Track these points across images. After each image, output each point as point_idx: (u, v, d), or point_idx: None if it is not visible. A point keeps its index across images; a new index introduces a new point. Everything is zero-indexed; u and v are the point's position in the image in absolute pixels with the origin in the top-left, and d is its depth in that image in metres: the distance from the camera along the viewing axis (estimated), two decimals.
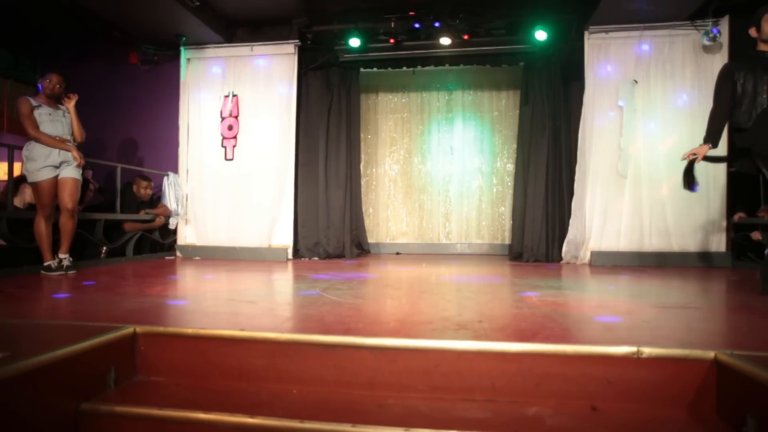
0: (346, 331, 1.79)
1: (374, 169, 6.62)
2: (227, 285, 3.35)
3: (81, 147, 3.81)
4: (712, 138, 2.99)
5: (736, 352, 1.45)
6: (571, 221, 5.14)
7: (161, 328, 1.78)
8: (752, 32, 2.92)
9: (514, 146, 5.95)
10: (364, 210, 6.20)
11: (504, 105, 6.40)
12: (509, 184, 6.29)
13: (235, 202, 5.57)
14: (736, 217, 4.73)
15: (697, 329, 1.88)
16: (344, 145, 5.77)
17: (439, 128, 6.53)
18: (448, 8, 5.14)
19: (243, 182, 5.57)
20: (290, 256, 5.51)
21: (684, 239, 4.93)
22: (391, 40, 5.37)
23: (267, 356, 1.72)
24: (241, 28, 5.72)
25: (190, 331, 1.78)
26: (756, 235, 4.45)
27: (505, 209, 6.33)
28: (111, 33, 5.41)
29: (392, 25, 5.26)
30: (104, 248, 4.67)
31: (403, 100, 6.60)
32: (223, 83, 5.69)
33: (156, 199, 5.55)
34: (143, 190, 5.24)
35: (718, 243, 4.91)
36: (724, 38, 4.78)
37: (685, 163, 3.15)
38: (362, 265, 4.77)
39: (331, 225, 5.68)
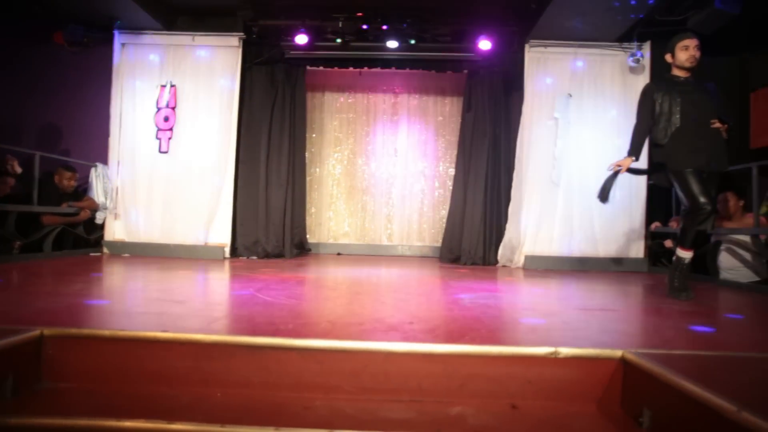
0: (275, 333, 1.76)
1: (318, 169, 6.56)
2: (156, 284, 3.19)
3: None
4: (634, 151, 3.20)
5: (641, 351, 1.56)
6: (508, 226, 5.35)
7: (74, 330, 1.66)
8: (668, 58, 3.17)
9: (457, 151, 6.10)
10: (306, 209, 6.12)
11: (448, 110, 6.54)
12: (451, 188, 6.42)
13: (170, 196, 5.33)
14: (652, 226, 5.11)
15: (610, 330, 2.01)
16: (287, 143, 5.67)
17: (384, 130, 6.57)
18: (396, 12, 5.19)
19: (179, 176, 5.34)
20: (227, 254, 5.33)
21: (608, 245, 5.25)
22: (339, 40, 5.34)
23: (190, 359, 1.65)
24: (183, 16, 5.47)
25: (107, 333, 1.67)
26: (668, 243, 4.82)
27: (446, 213, 6.45)
28: (30, 7, 4.97)
29: (340, 25, 5.23)
30: (17, 243, 4.29)
31: (350, 101, 6.59)
32: (161, 72, 5.43)
33: (81, 192, 5.18)
34: (66, 181, 4.88)
35: (638, 250, 5.28)
36: (647, 61, 5.16)
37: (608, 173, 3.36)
38: (301, 265, 4.71)
39: (270, 224, 5.56)
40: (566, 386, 1.58)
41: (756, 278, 4.05)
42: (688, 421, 1.24)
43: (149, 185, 5.35)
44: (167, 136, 5.39)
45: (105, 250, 5.26)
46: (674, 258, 3.08)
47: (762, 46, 5.18)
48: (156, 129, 5.39)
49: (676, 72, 3.14)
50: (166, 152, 5.37)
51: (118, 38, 5.36)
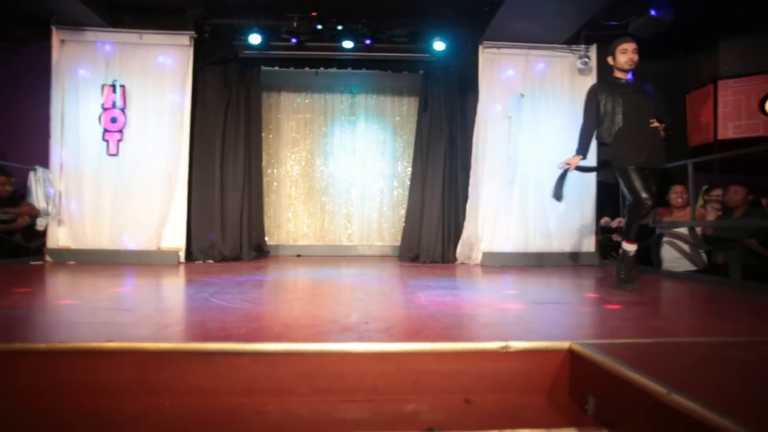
0: (227, 338, 1.72)
1: (275, 170, 6.46)
2: (103, 292, 3.05)
3: None
4: (582, 150, 3.33)
5: (587, 341, 1.63)
6: (466, 224, 5.44)
7: (3, 345, 1.56)
8: (609, 60, 3.32)
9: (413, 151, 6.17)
10: (264, 211, 6.01)
11: (405, 110, 6.59)
12: (410, 187, 6.48)
13: (120, 200, 5.11)
14: (602, 220, 5.34)
15: (560, 323, 2.08)
16: (243, 144, 5.55)
17: (341, 130, 6.55)
18: (351, 12, 5.18)
19: (129, 180, 5.13)
20: (182, 259, 5.17)
21: (562, 240, 5.44)
22: (293, 40, 5.27)
23: (136, 369, 1.59)
24: (130, 13, 5.25)
25: (42, 346, 1.58)
26: (616, 237, 5.05)
27: (405, 212, 6.51)
28: None
29: (294, 24, 5.17)
30: None
31: (306, 101, 6.52)
32: (107, 71, 5.19)
33: (19, 197, 4.88)
34: (0, 186, 4.58)
35: (589, 244, 5.50)
36: (594, 63, 5.38)
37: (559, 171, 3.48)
38: (259, 268, 4.62)
39: (227, 226, 5.43)
40: (517, 379, 1.62)
41: (694, 268, 4.31)
42: (627, 405, 1.30)
43: (97, 189, 5.11)
44: (116, 138, 5.17)
45: (47, 258, 4.98)
46: (620, 251, 3.23)
47: (695, 50, 5.52)
48: (103, 130, 5.16)
49: (617, 74, 3.29)
50: (115, 155, 5.15)
51: (57, 34, 5.08)
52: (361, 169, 6.53)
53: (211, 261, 5.30)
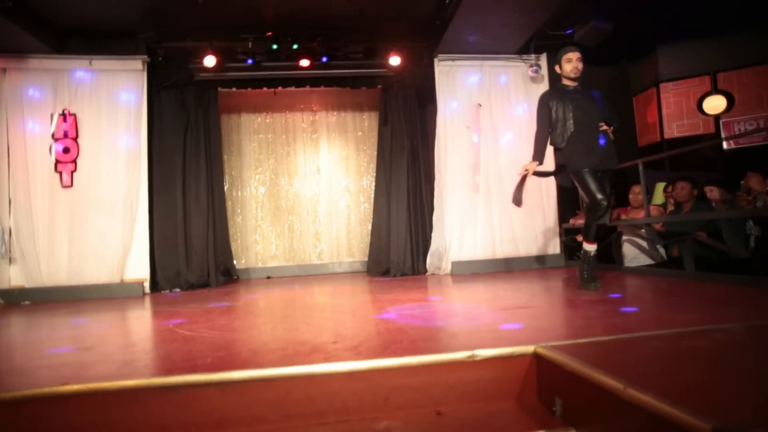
0: (192, 369, 1.67)
1: (239, 192, 6.37)
2: (60, 331, 2.91)
3: None
4: (537, 156, 3.44)
5: (551, 344, 1.67)
6: (433, 234, 5.50)
7: None
8: (557, 69, 3.47)
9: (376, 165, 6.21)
10: (230, 235, 5.90)
11: (367, 125, 6.64)
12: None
13: (77, 233, 4.91)
14: (571, 221, 5.46)
15: (526, 327, 2.12)
16: (204, 168, 5.45)
17: (305, 148, 6.54)
18: (306, 31, 5.20)
19: (85, 211, 4.95)
20: (147, 290, 5.01)
21: (528, 244, 5.56)
22: (250, 60, 5.25)
23: (97, 410, 1.53)
24: (77, 39, 5.11)
25: None
26: (580, 237, 5.20)
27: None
28: None
29: (250, 45, 5.16)
30: None
31: (267, 121, 6.49)
32: (56, 100, 5.02)
33: None
34: None
35: (554, 246, 5.64)
36: (545, 71, 5.59)
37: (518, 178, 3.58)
38: (227, 294, 4.52)
39: (193, 253, 5.30)
40: (486, 386, 1.64)
41: (653, 262, 4.48)
42: (591, 404, 1.34)
43: (51, 223, 4.90)
44: (70, 168, 4.99)
45: None
46: (582, 252, 3.33)
47: (636, 56, 5.82)
48: (55, 161, 4.97)
49: (565, 81, 3.43)
50: (69, 186, 4.96)
51: None
52: (327, 186, 6.52)
53: (177, 290, 5.14)
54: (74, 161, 5.00)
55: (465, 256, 5.42)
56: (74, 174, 4.99)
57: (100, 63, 5.10)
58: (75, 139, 5.01)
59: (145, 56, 5.15)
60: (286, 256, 6.38)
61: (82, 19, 4.79)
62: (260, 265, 6.31)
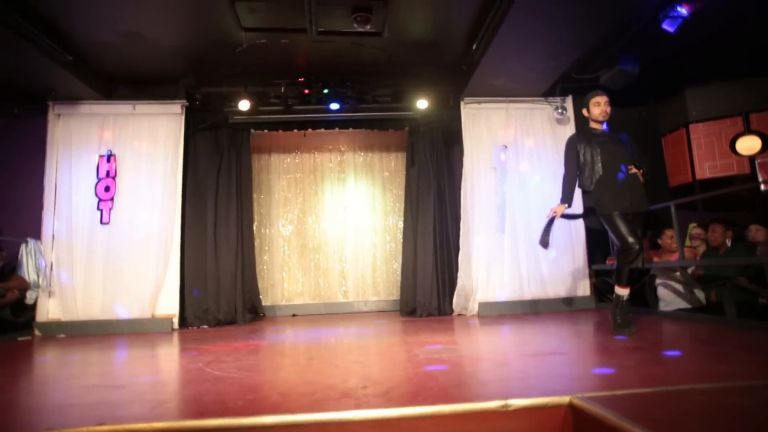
0: (224, 412, 1.68)
1: (268, 230, 6.49)
2: (95, 367, 2.98)
3: None
4: (566, 198, 3.43)
5: (587, 395, 1.62)
6: (459, 275, 5.45)
7: None
8: (584, 112, 3.50)
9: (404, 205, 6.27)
10: (257, 272, 5.99)
11: (394, 166, 6.75)
12: (401, 241, 6.52)
13: (112, 269, 5.09)
14: (608, 261, 5.29)
15: (559, 375, 2.07)
16: (235, 206, 5.61)
17: (332, 188, 6.67)
18: (336, 76, 5.42)
19: (121, 247, 5.13)
20: (176, 326, 5.09)
21: (557, 286, 5.45)
22: (282, 104, 5.47)
23: None
24: (123, 85, 5.47)
25: None
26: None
27: (399, 265, 6.50)
28: None
29: (282, 90, 5.39)
30: None
31: (296, 161, 6.67)
32: (101, 142, 5.32)
33: (9, 271, 4.82)
34: None
35: (584, 288, 5.51)
36: (570, 114, 5.63)
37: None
38: (255, 331, 4.55)
39: (221, 290, 5.38)
40: None
41: (689, 306, 4.31)
42: None
43: (88, 259, 5.09)
44: (108, 206, 5.22)
45: (36, 332, 4.87)
46: (614, 296, 3.25)
47: (664, 97, 5.82)
48: (97, 200, 5.21)
49: (592, 125, 3.45)
50: (107, 223, 5.18)
51: (53, 109, 5.25)
52: (353, 225, 6.59)
53: (205, 326, 5.21)
54: (112, 199, 5.24)
55: (491, 297, 5.34)
56: (112, 211, 5.21)
57: (143, 107, 5.41)
58: (114, 178, 5.26)
59: (184, 101, 5.45)
60: (311, 293, 6.40)
61: (129, 67, 5.14)
62: (286, 302, 6.34)
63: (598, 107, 3.38)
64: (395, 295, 6.42)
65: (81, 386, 2.32)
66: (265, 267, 6.37)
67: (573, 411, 1.59)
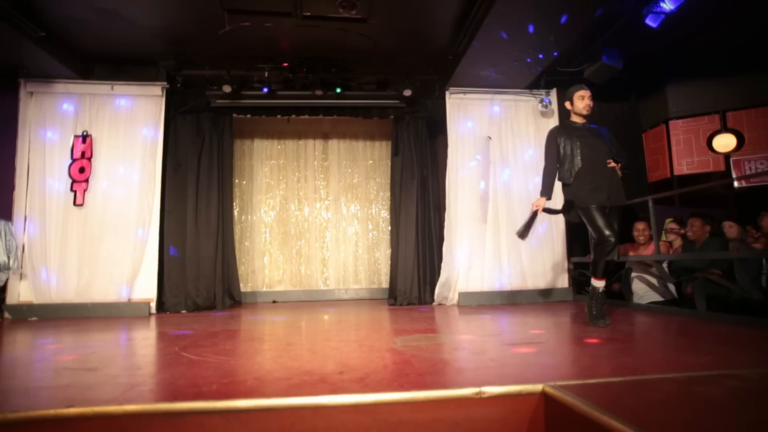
0: (197, 396, 1.67)
1: (249, 216, 6.43)
2: (67, 350, 2.91)
3: None
4: (546, 191, 3.45)
5: (559, 383, 1.64)
6: (443, 265, 5.47)
7: None
8: (567, 105, 3.52)
9: (389, 193, 6.26)
10: (239, 258, 5.93)
11: (378, 154, 6.72)
12: (384, 230, 6.54)
13: (87, 251, 4.98)
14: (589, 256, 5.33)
15: (533, 364, 2.09)
16: (216, 191, 5.52)
17: (315, 175, 6.61)
18: (321, 62, 5.34)
19: (97, 230, 5.02)
20: (154, 310, 5.02)
21: (536, 278, 5.52)
22: (265, 89, 5.38)
23: None
24: (100, 65, 5.30)
25: None
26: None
27: (380, 254, 6.53)
28: None
29: (266, 74, 5.29)
30: None
31: (279, 147, 6.59)
32: (76, 122, 5.17)
33: None
34: None
35: (563, 280, 5.59)
36: (554, 106, 5.67)
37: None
38: (233, 317, 4.51)
39: (201, 275, 5.32)
40: (493, 425, 1.61)
41: (662, 299, 4.42)
42: None
43: (63, 240, 4.97)
44: (83, 187, 5.08)
45: (6, 315, 4.75)
46: (590, 288, 3.30)
47: (645, 93, 5.89)
48: (71, 181, 5.07)
49: (574, 118, 3.48)
50: (81, 205, 5.05)
51: (24, 86, 5.07)
52: (336, 212, 6.56)
53: (184, 311, 5.15)
54: (87, 180, 5.10)
55: (472, 287, 5.39)
56: (86, 193, 5.08)
57: (122, 88, 5.27)
58: (90, 159, 5.13)
59: (165, 83, 5.32)
60: (293, 280, 6.38)
61: (106, 47, 4.98)
62: (266, 288, 6.31)
63: (582, 101, 3.40)
64: (377, 283, 6.45)
65: (51, 369, 2.27)
66: (246, 253, 6.31)
67: (545, 399, 1.62)
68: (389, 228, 6.12)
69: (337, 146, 6.68)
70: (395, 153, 5.86)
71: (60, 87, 5.15)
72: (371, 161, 6.72)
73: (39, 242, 4.94)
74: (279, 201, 6.50)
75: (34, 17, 4.24)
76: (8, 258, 4.70)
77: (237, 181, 6.18)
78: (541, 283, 5.53)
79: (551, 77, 5.45)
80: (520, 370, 2.00)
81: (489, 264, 5.48)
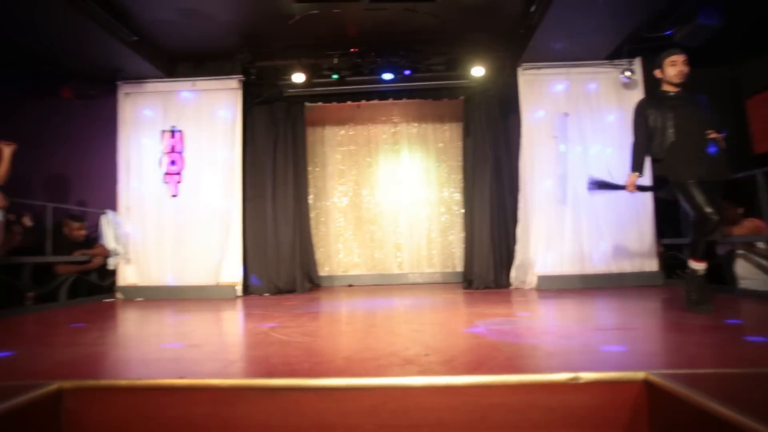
0: (292, 373, 1.75)
1: (324, 202, 6.61)
2: (171, 327, 3.19)
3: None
4: (637, 167, 3.22)
5: (664, 372, 1.54)
6: (517, 247, 5.32)
7: (91, 382, 1.66)
8: (657, 74, 3.22)
9: (460, 176, 6.17)
10: (315, 243, 6.14)
11: (448, 136, 6.62)
12: (456, 212, 6.46)
13: (181, 239, 5.38)
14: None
15: (630, 351, 1.98)
16: (292, 178, 5.74)
17: (386, 160, 6.65)
18: (389, 46, 5.32)
19: (188, 219, 5.41)
20: (239, 293, 5.34)
21: (621, 261, 5.20)
22: (335, 76, 5.46)
23: (209, 404, 1.64)
24: (183, 63, 5.65)
25: (124, 382, 1.67)
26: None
27: (454, 237, 6.47)
28: (39, 67, 5.15)
29: (335, 61, 5.37)
30: (30, 294, 4.33)
31: (350, 133, 6.69)
32: (165, 118, 5.57)
33: (93, 239, 5.25)
34: (75, 231, 4.95)
35: (651, 263, 5.22)
36: (639, 76, 5.24)
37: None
38: (313, 300, 4.69)
39: (281, 259, 5.58)
40: (590, 412, 1.55)
41: None
42: None
43: (159, 229, 5.41)
44: (176, 180, 5.49)
45: (118, 295, 5.29)
46: (688, 270, 3.05)
47: (753, 53, 5.25)
48: (164, 174, 5.49)
49: (666, 87, 3.18)
50: (175, 196, 5.46)
51: (122, 88, 5.53)
52: (408, 196, 6.57)
53: (266, 294, 5.44)
54: (179, 173, 5.49)
55: (551, 271, 5.19)
56: (179, 185, 5.48)
57: (202, 84, 5.58)
58: (181, 153, 5.51)
59: (241, 76, 5.56)
60: (367, 265, 6.50)
61: (188, 45, 5.29)
62: (342, 273, 6.49)
63: (675, 67, 3.10)
64: (450, 267, 6.41)
65: (160, 344, 2.49)
66: (322, 239, 6.52)
67: (648, 388, 1.52)
68: (462, 211, 6.03)
69: (406, 130, 6.66)
70: (466, 134, 5.74)
71: (150, 86, 5.56)
72: (441, 144, 6.64)
73: (140, 230, 5.42)
74: (351, 187, 6.63)
75: (127, 22, 4.59)
76: (117, 244, 5.22)
77: (310, 168, 6.36)
78: (627, 266, 5.21)
79: (635, 45, 5.02)
80: (616, 356, 1.90)
81: (569, 246, 5.24)
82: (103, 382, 1.69)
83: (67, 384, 1.63)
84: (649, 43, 4.67)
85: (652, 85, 4.86)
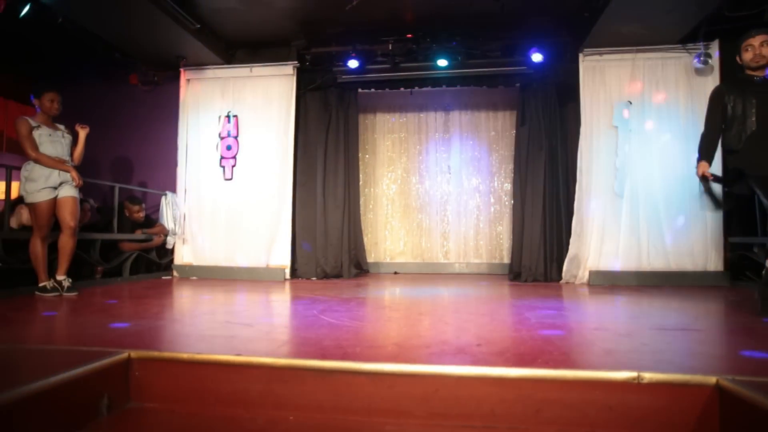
0: (344, 356, 1.78)
1: (372, 189, 6.64)
2: (224, 306, 3.32)
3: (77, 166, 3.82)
4: (705, 155, 3.01)
5: (738, 378, 1.44)
6: (572, 240, 5.13)
7: (156, 353, 1.76)
8: (738, 59, 2.97)
9: (511, 166, 6.00)
10: (362, 229, 6.19)
11: (501, 125, 6.45)
12: (506, 203, 6.31)
13: (233, 221, 5.57)
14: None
15: (698, 353, 1.87)
16: (342, 164, 5.79)
17: (436, 148, 6.57)
18: (444, 31, 5.22)
19: (241, 202, 5.58)
20: (288, 275, 5.48)
21: (682, 259, 4.92)
22: (389, 62, 5.43)
23: (263, 382, 1.69)
24: (241, 50, 5.80)
25: (185, 356, 1.75)
26: None
27: (503, 228, 6.33)
28: (111, 54, 5.47)
29: (390, 47, 5.33)
30: (100, 268, 4.64)
31: (401, 120, 6.65)
32: (223, 103, 5.75)
33: (154, 219, 5.54)
34: (135, 214, 5.22)
35: (717, 262, 4.90)
36: (715, 61, 4.87)
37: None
38: (360, 285, 4.75)
39: (329, 245, 5.66)
40: (653, 415, 1.47)
41: None
42: None
43: (214, 211, 5.62)
44: (231, 164, 5.67)
45: (175, 273, 5.57)
46: (764, 272, 2.83)
47: None
48: (220, 157, 5.68)
49: (749, 72, 2.94)
50: (230, 179, 5.64)
51: (184, 74, 5.76)
52: (457, 185, 6.48)
53: (314, 278, 5.55)
54: (234, 157, 5.67)
55: (604, 266, 4.99)
56: (234, 168, 5.66)
57: (258, 69, 5.70)
58: (236, 137, 5.68)
59: (296, 62, 5.63)
60: (413, 253, 6.49)
61: (246, 32, 5.42)
62: (388, 260, 6.51)
63: (750, 51, 2.85)
64: (498, 258, 6.29)
65: (216, 321, 2.60)
66: (369, 225, 6.56)
67: (720, 393, 1.43)
68: (512, 201, 5.88)
69: (458, 118, 6.54)
70: (521, 123, 5.56)
71: (209, 73, 5.75)
72: (494, 132, 6.48)
73: (196, 212, 5.66)
74: (400, 174, 6.61)
75: (190, 11, 4.76)
76: (174, 225, 5.49)
77: (360, 154, 6.39)
78: (689, 264, 4.91)
79: (714, 26, 4.65)
80: (682, 358, 1.79)
81: (624, 241, 5.00)
82: (166, 354, 1.78)
83: (135, 353, 1.74)
84: (733, 23, 4.31)
85: (729, 70, 4.50)
